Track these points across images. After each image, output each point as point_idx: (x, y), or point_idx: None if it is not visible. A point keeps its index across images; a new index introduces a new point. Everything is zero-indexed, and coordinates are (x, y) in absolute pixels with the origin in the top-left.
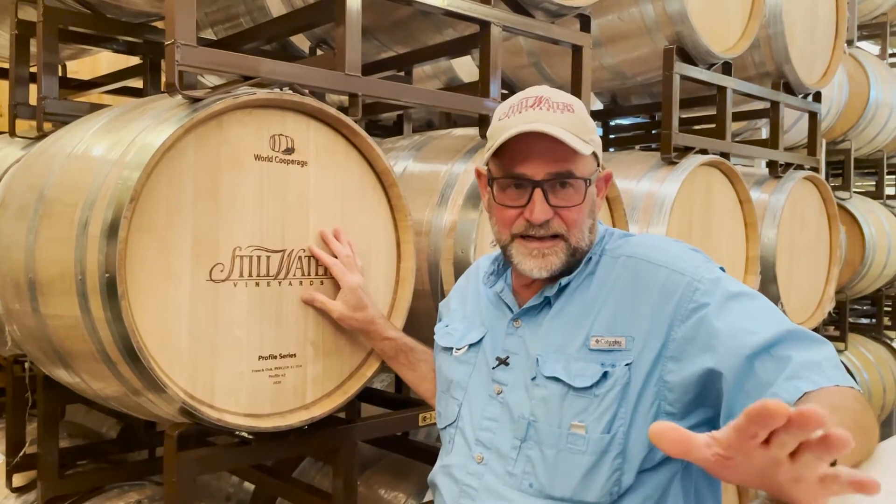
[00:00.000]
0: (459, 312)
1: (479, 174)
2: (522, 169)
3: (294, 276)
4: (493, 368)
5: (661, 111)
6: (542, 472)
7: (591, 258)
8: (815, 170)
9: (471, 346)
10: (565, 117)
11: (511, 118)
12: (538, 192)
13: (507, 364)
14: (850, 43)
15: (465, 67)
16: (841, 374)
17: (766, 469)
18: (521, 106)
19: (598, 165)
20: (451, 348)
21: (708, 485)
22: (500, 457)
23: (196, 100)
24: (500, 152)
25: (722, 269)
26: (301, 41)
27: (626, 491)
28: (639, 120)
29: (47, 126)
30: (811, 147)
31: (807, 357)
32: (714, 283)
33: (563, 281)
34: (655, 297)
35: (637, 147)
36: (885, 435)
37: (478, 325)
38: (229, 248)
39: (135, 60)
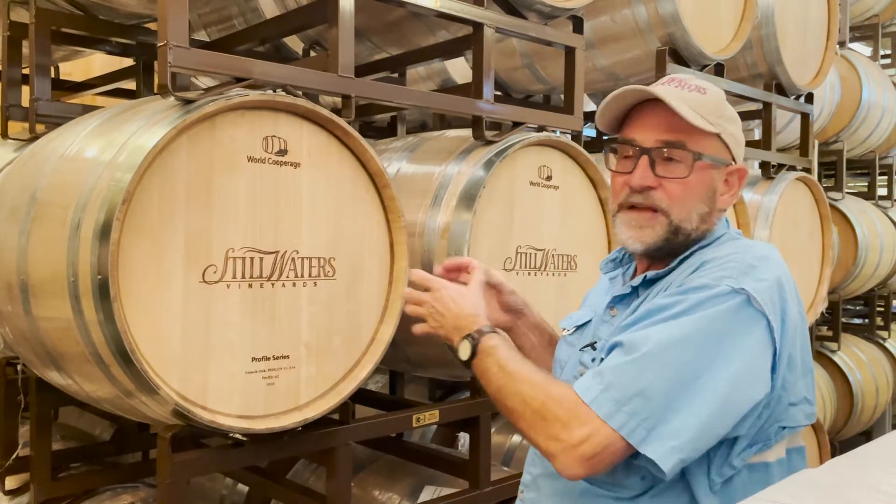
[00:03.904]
0: (588, 300)
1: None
2: (633, 134)
3: (287, 277)
4: (581, 350)
5: None
6: None
7: (688, 256)
8: (808, 171)
9: (577, 327)
10: (693, 96)
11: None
12: (643, 159)
13: (594, 348)
14: (842, 44)
15: (459, 69)
16: (601, 396)
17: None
18: (655, 83)
19: (732, 158)
20: (564, 328)
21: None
22: None
23: (189, 101)
24: (623, 123)
25: (746, 294)
26: (294, 43)
27: (658, 480)
28: None
29: (40, 128)
30: (803, 148)
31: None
32: (697, 290)
33: (650, 274)
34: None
35: None
36: (877, 434)
37: (590, 310)
38: (222, 250)
39: (128, 62)
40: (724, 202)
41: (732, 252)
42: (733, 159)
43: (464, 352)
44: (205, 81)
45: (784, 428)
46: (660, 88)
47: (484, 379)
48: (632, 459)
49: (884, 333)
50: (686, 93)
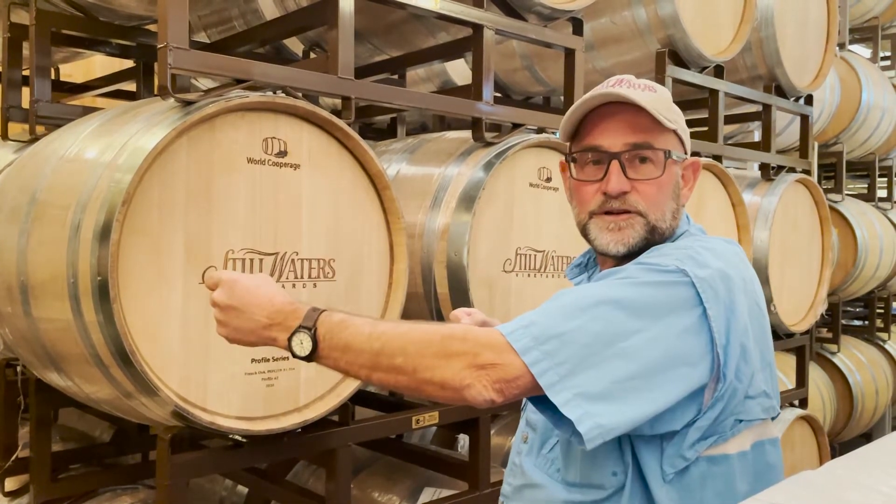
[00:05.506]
0: None
1: (563, 167)
2: (600, 141)
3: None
4: None
5: None
6: (562, 457)
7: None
8: (808, 172)
9: None
10: (646, 94)
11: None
12: (615, 164)
13: None
14: (841, 46)
15: (459, 71)
16: (520, 330)
17: None
18: (602, 86)
19: (685, 152)
20: None
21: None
22: (540, 439)
23: (189, 103)
24: (580, 131)
25: (686, 273)
26: (294, 44)
27: (631, 478)
28: None
29: (40, 129)
30: (803, 150)
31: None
32: (639, 264)
33: (610, 270)
34: None
35: None
36: (877, 435)
37: None
38: (222, 251)
39: (128, 63)
40: (685, 196)
41: (684, 245)
42: (686, 153)
43: (301, 347)
44: (205, 83)
45: (741, 421)
46: (624, 91)
47: (348, 356)
48: (595, 453)
49: (884, 335)
50: (640, 92)
